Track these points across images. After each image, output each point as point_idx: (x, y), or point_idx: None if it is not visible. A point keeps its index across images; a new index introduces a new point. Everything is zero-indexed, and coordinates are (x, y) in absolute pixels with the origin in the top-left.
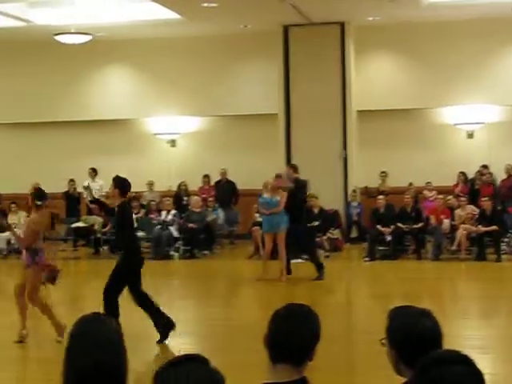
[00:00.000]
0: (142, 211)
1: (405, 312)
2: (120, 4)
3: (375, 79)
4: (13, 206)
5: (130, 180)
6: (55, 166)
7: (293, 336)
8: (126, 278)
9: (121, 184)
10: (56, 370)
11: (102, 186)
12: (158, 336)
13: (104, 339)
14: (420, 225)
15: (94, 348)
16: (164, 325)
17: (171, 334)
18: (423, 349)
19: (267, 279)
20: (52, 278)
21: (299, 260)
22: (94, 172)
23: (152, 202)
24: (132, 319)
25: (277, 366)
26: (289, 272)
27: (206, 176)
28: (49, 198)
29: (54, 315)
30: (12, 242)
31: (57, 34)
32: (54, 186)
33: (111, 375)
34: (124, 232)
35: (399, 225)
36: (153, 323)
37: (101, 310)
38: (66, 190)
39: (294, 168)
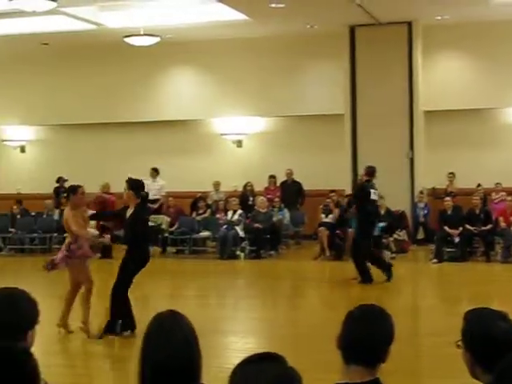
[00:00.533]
0: (208, 211)
1: (481, 314)
2: (187, 6)
3: (443, 79)
4: None
5: (196, 180)
6: (123, 166)
7: (366, 337)
8: (132, 272)
9: (135, 185)
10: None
11: (162, 186)
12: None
13: (178, 336)
14: (489, 226)
15: (169, 344)
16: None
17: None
18: (499, 352)
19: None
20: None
21: None
22: (155, 172)
23: (220, 202)
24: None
25: (350, 366)
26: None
27: (272, 176)
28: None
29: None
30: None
31: (126, 36)
32: (122, 185)
33: (185, 370)
34: (135, 230)
35: (467, 226)
36: (111, 313)
37: (167, 307)
38: None
39: (366, 171)
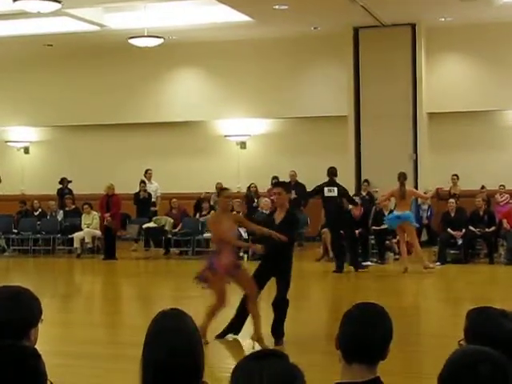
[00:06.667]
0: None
1: (484, 312)
2: (191, 7)
3: (446, 81)
4: (86, 206)
5: (200, 181)
6: (127, 167)
7: (366, 335)
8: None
9: (289, 188)
10: None
11: (156, 187)
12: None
13: (181, 333)
14: (492, 228)
15: (171, 341)
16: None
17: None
18: (502, 351)
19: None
20: None
21: (368, 263)
22: (149, 174)
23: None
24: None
25: (351, 365)
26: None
27: (275, 178)
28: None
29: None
30: (86, 241)
31: (130, 38)
32: (126, 187)
33: (188, 368)
34: (293, 234)
35: (471, 228)
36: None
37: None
38: (137, 191)
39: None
